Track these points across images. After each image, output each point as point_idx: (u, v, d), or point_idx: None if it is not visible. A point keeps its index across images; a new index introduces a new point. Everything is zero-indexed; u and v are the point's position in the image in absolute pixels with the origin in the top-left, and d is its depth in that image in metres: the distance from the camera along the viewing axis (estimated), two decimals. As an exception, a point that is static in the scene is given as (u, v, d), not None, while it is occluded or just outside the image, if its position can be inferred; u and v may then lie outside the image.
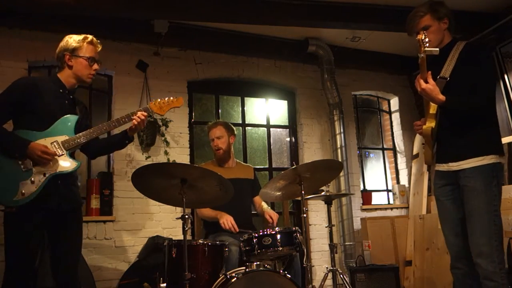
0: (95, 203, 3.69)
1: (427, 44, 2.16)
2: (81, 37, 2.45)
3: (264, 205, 3.42)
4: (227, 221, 3.03)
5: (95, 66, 2.47)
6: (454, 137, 2.35)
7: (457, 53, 2.36)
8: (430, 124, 2.36)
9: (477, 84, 2.27)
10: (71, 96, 2.47)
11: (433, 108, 2.34)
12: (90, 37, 2.47)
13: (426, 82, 2.23)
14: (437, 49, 2.22)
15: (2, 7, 3.34)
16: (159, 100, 2.60)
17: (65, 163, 2.29)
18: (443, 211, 2.45)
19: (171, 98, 2.63)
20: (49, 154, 2.22)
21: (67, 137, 2.31)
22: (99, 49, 2.51)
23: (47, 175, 2.23)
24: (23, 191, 2.17)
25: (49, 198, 2.24)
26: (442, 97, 2.22)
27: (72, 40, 2.44)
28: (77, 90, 2.59)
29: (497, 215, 2.24)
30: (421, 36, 2.17)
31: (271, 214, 3.22)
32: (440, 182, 2.45)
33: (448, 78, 2.32)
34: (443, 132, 2.37)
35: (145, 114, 2.47)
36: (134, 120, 2.45)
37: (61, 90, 2.42)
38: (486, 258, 2.19)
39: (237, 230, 3.03)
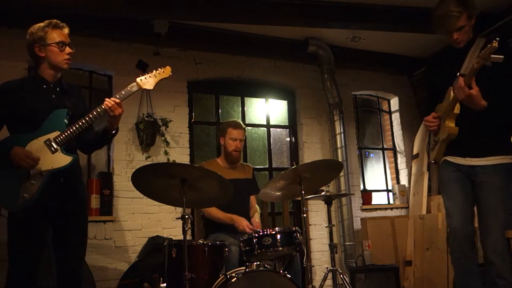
0: (95, 203, 3.69)
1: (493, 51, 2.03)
2: (43, 24, 2.35)
3: (257, 209, 3.43)
4: (245, 227, 3.05)
5: (67, 49, 2.36)
6: (473, 135, 2.32)
7: (478, 49, 2.29)
8: (451, 123, 2.32)
9: (506, 83, 2.23)
10: (57, 89, 2.40)
11: (457, 108, 2.29)
12: (53, 21, 2.37)
13: (470, 87, 2.16)
14: (502, 56, 2.05)
15: (2, 7, 3.34)
16: (146, 74, 2.49)
17: (60, 159, 2.26)
18: (452, 191, 2.42)
19: (159, 69, 2.53)
20: (31, 158, 2.17)
21: (58, 133, 2.27)
22: (66, 30, 2.39)
23: (44, 174, 2.22)
24: (25, 194, 2.16)
25: (52, 196, 2.23)
26: (484, 103, 2.19)
27: (36, 29, 2.34)
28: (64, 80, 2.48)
29: (511, 214, 2.25)
30: (495, 44, 2.00)
31: (257, 226, 3.20)
32: (450, 169, 2.43)
33: None
34: (463, 129, 2.32)
35: (114, 100, 2.32)
36: (107, 109, 2.31)
37: (44, 86, 2.36)
38: (500, 256, 2.20)
39: (251, 230, 3.02)
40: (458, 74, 2.27)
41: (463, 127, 2.32)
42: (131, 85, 2.44)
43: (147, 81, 2.48)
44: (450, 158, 2.45)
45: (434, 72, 2.64)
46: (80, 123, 2.29)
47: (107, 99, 2.34)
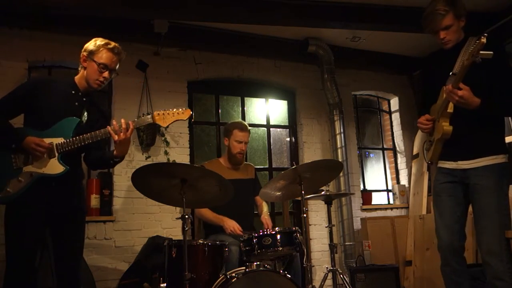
0: (95, 203, 3.69)
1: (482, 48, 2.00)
2: (104, 42, 2.42)
3: (265, 208, 3.42)
4: (233, 228, 3.04)
5: (105, 74, 2.39)
6: (466, 135, 2.31)
7: (469, 48, 2.25)
8: (445, 122, 2.32)
9: (501, 82, 2.23)
10: (84, 99, 2.43)
11: (451, 107, 2.28)
12: (112, 44, 2.43)
13: (459, 89, 2.15)
14: (491, 52, 2.01)
15: (2, 7, 3.34)
16: (164, 110, 2.47)
17: (53, 166, 2.27)
18: (440, 206, 2.43)
19: (179, 109, 2.48)
20: (42, 146, 2.21)
21: (63, 140, 2.28)
22: (119, 57, 2.44)
23: (33, 176, 2.24)
24: (9, 188, 2.19)
25: (39, 199, 2.24)
26: (477, 100, 2.17)
27: (94, 42, 2.42)
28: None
29: (506, 215, 2.24)
30: (484, 40, 1.97)
31: (268, 223, 3.22)
32: (442, 179, 2.44)
33: None
34: (456, 128, 2.32)
35: (123, 124, 2.34)
36: (110, 131, 2.31)
37: (73, 92, 2.40)
38: (496, 257, 2.19)
39: (241, 232, 3.02)
40: (450, 73, 2.27)
41: (456, 126, 2.32)
42: (147, 116, 2.46)
43: (164, 117, 2.46)
44: (442, 164, 2.45)
45: (428, 74, 2.65)
46: (83, 137, 2.30)
47: (115, 122, 2.35)
